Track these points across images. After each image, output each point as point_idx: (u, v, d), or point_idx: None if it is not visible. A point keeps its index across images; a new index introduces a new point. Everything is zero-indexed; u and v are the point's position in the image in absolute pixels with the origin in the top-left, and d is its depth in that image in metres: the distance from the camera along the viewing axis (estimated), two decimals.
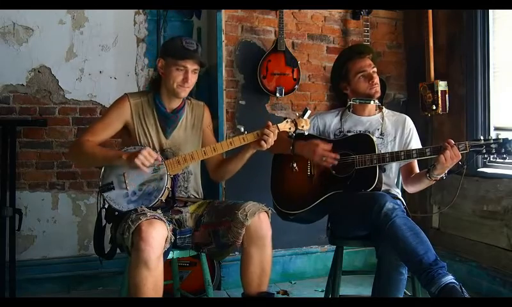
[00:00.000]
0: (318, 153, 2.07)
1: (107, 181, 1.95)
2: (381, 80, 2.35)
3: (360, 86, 2.24)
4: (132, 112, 2.05)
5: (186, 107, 2.14)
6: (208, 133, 2.22)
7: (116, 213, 1.95)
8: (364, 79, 2.23)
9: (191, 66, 2.01)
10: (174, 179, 2.01)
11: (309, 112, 2.05)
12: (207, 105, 2.27)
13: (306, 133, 2.10)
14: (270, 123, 1.99)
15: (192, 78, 2.04)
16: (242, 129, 2.00)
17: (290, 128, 2.04)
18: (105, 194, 1.94)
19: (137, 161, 1.84)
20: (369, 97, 2.24)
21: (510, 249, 2.59)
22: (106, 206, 1.99)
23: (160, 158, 1.93)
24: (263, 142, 1.96)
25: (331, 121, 2.31)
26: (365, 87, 2.23)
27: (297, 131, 2.06)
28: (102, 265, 2.07)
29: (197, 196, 2.16)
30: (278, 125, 2.00)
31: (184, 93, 2.05)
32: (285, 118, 2.06)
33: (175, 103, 2.10)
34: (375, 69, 2.25)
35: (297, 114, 2.06)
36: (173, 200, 2.03)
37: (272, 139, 1.96)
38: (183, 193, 2.10)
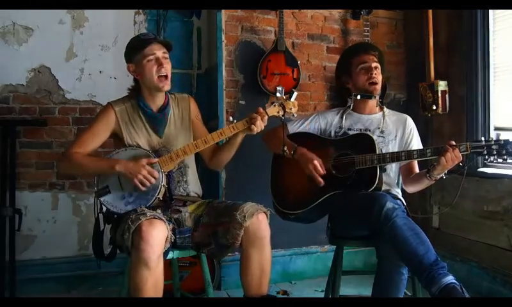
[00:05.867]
0: (308, 169, 2.09)
1: (102, 185, 1.95)
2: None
3: (359, 79, 2.23)
4: (118, 119, 2.04)
5: (171, 103, 2.13)
6: (198, 124, 2.20)
7: (115, 215, 1.95)
8: (364, 72, 2.22)
9: (159, 50, 2.00)
10: (169, 176, 2.01)
11: (295, 93, 2.04)
12: (192, 97, 2.24)
13: (295, 115, 2.09)
14: (260, 109, 1.98)
15: (167, 65, 2.01)
16: (231, 118, 2.00)
17: (278, 112, 2.03)
18: (102, 198, 1.94)
19: (136, 181, 1.86)
20: (367, 92, 2.23)
21: (510, 249, 2.59)
22: (104, 210, 1.99)
23: (157, 175, 1.91)
24: (253, 126, 1.95)
25: (333, 119, 2.30)
26: (364, 80, 2.22)
27: (286, 114, 2.04)
28: (100, 266, 2.07)
29: (197, 192, 2.16)
30: (267, 109, 2.00)
31: (166, 85, 2.02)
32: (272, 102, 2.05)
33: (160, 101, 2.09)
34: (377, 65, 2.24)
35: (284, 97, 2.05)
36: (171, 198, 2.03)
37: (260, 122, 1.95)
38: (182, 189, 2.09)
